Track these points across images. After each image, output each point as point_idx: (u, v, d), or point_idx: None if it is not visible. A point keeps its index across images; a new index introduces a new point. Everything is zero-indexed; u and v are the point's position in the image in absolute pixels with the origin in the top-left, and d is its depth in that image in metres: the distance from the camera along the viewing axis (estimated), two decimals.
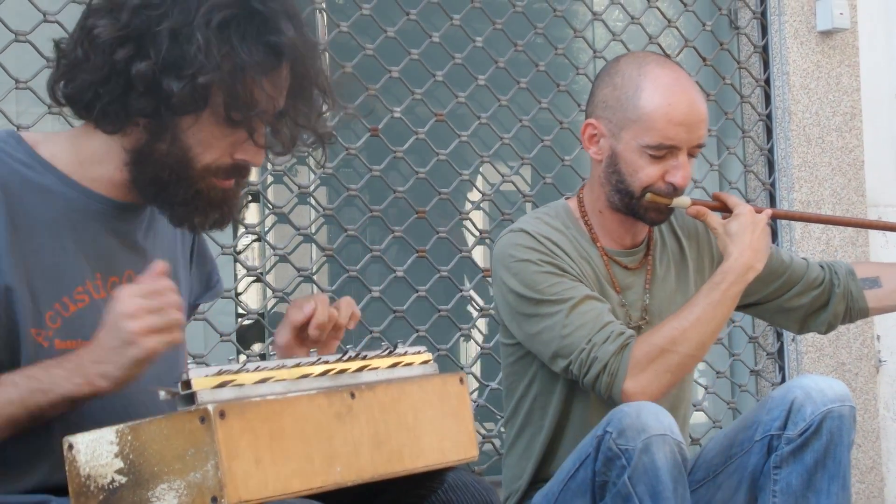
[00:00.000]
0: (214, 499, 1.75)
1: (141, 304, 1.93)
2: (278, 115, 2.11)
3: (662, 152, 2.90)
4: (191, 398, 1.80)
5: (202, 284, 2.43)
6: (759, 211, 3.00)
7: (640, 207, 2.94)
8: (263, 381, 1.87)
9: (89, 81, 2.04)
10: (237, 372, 1.85)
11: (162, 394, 1.85)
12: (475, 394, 4.37)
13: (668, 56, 4.71)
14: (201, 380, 1.81)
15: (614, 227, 3.02)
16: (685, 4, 4.90)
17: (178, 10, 2.01)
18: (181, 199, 2.07)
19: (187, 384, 1.80)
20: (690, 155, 2.94)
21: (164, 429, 1.79)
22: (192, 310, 2.43)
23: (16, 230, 2.03)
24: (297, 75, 2.09)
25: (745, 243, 2.90)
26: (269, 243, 4.08)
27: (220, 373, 1.84)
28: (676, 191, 2.92)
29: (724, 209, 3.02)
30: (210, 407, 1.76)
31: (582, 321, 2.83)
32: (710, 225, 2.97)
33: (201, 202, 2.08)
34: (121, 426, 1.83)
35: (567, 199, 3.12)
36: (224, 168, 2.07)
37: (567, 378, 2.90)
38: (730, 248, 2.91)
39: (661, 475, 2.58)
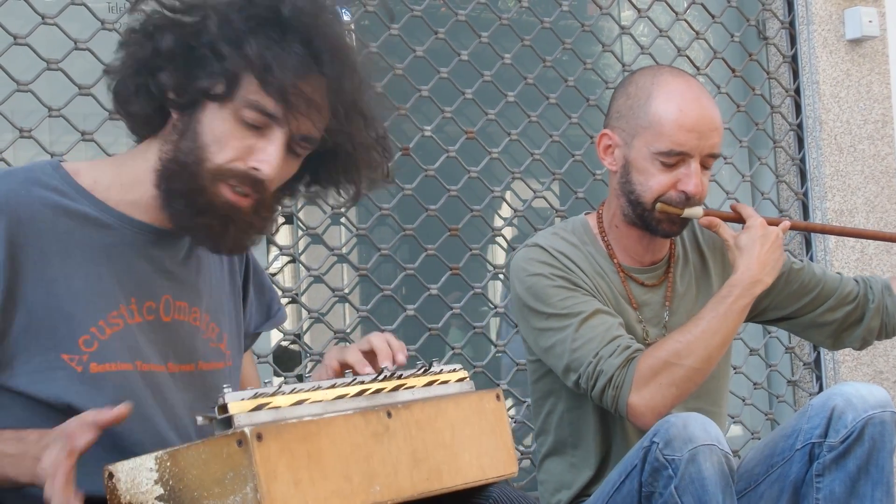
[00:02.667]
0: None
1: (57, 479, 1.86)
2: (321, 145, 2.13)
3: (673, 159, 2.88)
4: (228, 422, 1.80)
5: (262, 314, 2.43)
6: (775, 223, 2.98)
7: (652, 219, 2.92)
8: (300, 402, 1.87)
9: (123, 61, 2.10)
10: (273, 394, 1.85)
11: (199, 419, 1.85)
12: (511, 410, 4.37)
13: (697, 69, 4.72)
14: (238, 403, 1.81)
15: (631, 244, 3.01)
16: (713, 16, 4.89)
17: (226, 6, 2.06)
18: (183, 190, 2.05)
19: (224, 408, 1.81)
20: (704, 165, 2.91)
21: (203, 454, 1.79)
22: (251, 338, 2.44)
23: (44, 257, 2.03)
24: (337, 97, 2.09)
25: (752, 256, 2.88)
26: (303, 264, 4.09)
27: (256, 396, 1.84)
28: (689, 200, 2.89)
29: (739, 220, 2.99)
30: (247, 430, 1.75)
31: (591, 335, 2.83)
32: (722, 236, 2.96)
33: (203, 201, 2.05)
34: (160, 452, 1.83)
35: (587, 214, 3.11)
36: (235, 173, 2.06)
37: (579, 392, 2.90)
38: (738, 260, 2.89)
39: (708, 486, 2.56)
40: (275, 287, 2.48)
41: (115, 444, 2.03)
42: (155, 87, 2.06)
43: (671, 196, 2.89)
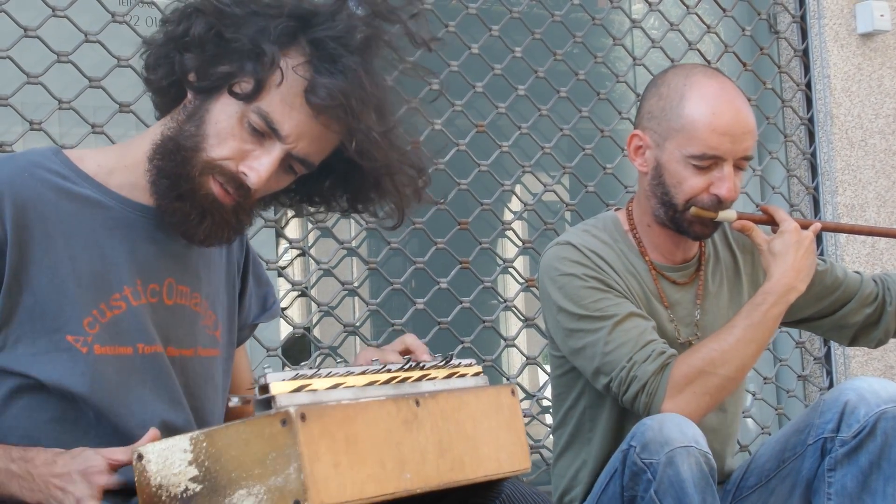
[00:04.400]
0: (297, 502, 1.73)
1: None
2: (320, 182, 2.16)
3: (706, 163, 2.84)
4: (267, 403, 1.79)
5: (259, 305, 2.43)
6: (806, 225, 2.94)
7: (684, 221, 2.89)
8: (335, 386, 1.87)
9: (158, 38, 2.12)
10: (311, 377, 1.85)
11: (234, 400, 1.84)
12: (521, 404, 4.36)
13: (708, 62, 4.70)
14: (280, 384, 1.80)
15: (663, 242, 2.98)
16: (724, 10, 4.88)
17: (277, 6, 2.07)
18: (170, 171, 2.06)
19: (265, 388, 1.79)
20: (738, 167, 2.87)
21: (243, 433, 1.77)
22: (250, 329, 2.44)
23: (49, 239, 2.04)
24: (358, 132, 2.08)
25: (787, 263, 2.85)
26: (312, 258, 4.08)
27: (296, 377, 1.83)
28: (721, 203, 2.86)
29: (772, 222, 2.95)
30: (292, 409, 1.74)
31: (624, 339, 2.80)
32: (755, 241, 2.91)
33: (187, 188, 2.06)
34: (195, 433, 1.82)
35: (616, 210, 3.08)
36: (224, 172, 2.06)
37: (609, 395, 2.88)
38: (772, 267, 2.86)
39: (686, 488, 2.54)
40: (271, 280, 2.47)
41: (114, 429, 2.03)
42: (178, 66, 2.07)
43: (703, 199, 2.86)
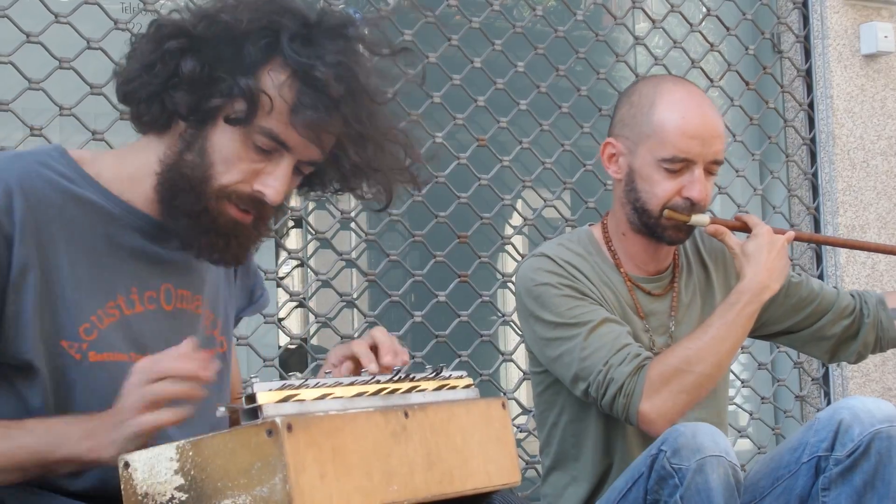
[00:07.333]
0: None
1: (144, 378, 1.92)
2: (327, 164, 2.13)
3: (677, 166, 2.89)
4: (254, 412, 1.79)
5: (245, 298, 2.43)
6: (780, 233, 2.99)
7: (658, 226, 2.92)
8: (323, 397, 1.87)
9: (138, 69, 2.08)
10: (299, 387, 1.85)
11: (221, 410, 1.85)
12: (518, 419, 4.36)
13: (710, 81, 4.71)
14: (266, 394, 1.80)
15: (637, 252, 3.01)
16: (728, 28, 4.88)
17: (246, 23, 2.05)
18: (188, 210, 2.06)
19: (252, 398, 1.80)
20: (708, 172, 2.92)
21: (229, 443, 1.78)
22: (234, 322, 2.43)
23: (52, 241, 2.04)
24: (350, 127, 2.08)
25: (760, 263, 2.89)
26: (311, 268, 4.08)
27: (283, 387, 1.83)
28: (694, 207, 2.90)
29: (745, 229, 3.01)
30: (278, 420, 1.75)
31: (600, 343, 2.82)
32: (728, 244, 2.97)
33: (207, 220, 2.07)
34: (181, 442, 1.82)
35: (591, 225, 3.12)
36: (240, 195, 2.07)
37: (589, 402, 2.89)
38: (745, 268, 2.91)
39: (713, 497, 2.54)
40: (260, 272, 2.47)
41: None
42: (170, 102, 2.06)
43: (677, 202, 2.90)
